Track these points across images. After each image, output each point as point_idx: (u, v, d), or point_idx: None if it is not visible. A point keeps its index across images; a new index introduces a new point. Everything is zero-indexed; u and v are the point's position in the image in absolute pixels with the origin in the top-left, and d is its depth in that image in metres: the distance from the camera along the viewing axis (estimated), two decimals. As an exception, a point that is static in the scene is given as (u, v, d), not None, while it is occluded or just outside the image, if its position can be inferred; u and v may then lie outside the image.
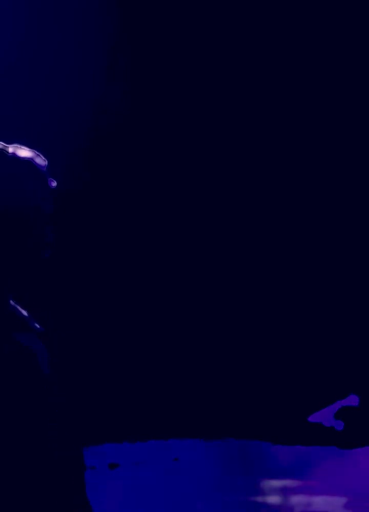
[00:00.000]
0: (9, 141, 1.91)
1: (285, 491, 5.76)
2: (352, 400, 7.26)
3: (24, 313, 1.78)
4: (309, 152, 7.58)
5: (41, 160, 1.78)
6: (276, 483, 5.91)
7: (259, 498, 5.59)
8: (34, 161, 1.76)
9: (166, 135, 7.61)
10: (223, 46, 7.56)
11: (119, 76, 7.58)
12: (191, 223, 7.54)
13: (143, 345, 7.34)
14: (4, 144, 1.76)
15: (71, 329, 7.17)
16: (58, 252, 6.87)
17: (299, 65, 7.61)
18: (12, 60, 7.68)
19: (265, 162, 7.59)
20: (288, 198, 7.56)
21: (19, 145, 1.78)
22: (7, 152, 1.72)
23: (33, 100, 7.53)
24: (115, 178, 7.54)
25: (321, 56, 7.55)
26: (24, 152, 1.75)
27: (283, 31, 7.52)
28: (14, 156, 1.73)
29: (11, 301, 1.74)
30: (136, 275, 7.42)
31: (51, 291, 7.15)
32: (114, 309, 7.34)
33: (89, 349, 7.28)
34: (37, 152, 1.77)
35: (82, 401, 6.99)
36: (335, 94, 7.56)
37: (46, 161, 1.79)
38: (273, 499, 5.63)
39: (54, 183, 1.79)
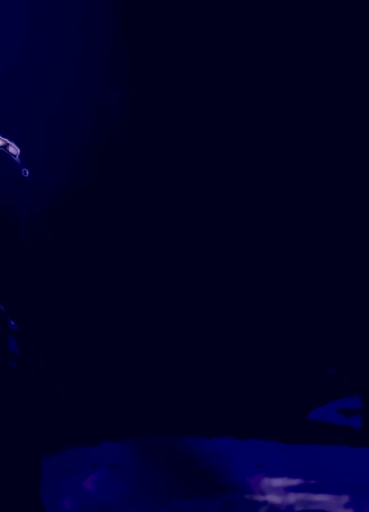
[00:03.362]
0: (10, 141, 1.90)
1: (285, 490, 5.75)
2: (353, 399, 7.25)
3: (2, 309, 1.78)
4: (309, 152, 7.58)
5: (13, 149, 1.77)
6: (276, 482, 5.90)
7: (259, 498, 5.58)
8: (6, 150, 1.75)
9: (166, 135, 7.62)
10: (222, 50, 7.58)
11: (119, 78, 7.61)
12: (191, 223, 7.55)
13: (142, 345, 7.36)
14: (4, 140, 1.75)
15: (71, 329, 7.19)
16: (58, 252, 6.90)
17: (298, 73, 7.61)
18: (14, 64, 7.72)
19: (264, 162, 7.60)
20: (288, 199, 7.56)
21: None
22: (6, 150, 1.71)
23: (35, 102, 7.56)
24: (115, 179, 7.56)
25: (321, 56, 7.55)
26: None
27: (282, 50, 7.54)
28: None
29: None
30: (136, 275, 7.44)
31: (49, 290, 7.17)
32: (112, 308, 7.36)
33: (90, 349, 7.30)
34: (8, 141, 1.77)
35: (81, 401, 7.00)
36: (335, 94, 7.56)
37: (19, 150, 1.78)
38: (274, 498, 5.63)
39: (27, 172, 1.79)
